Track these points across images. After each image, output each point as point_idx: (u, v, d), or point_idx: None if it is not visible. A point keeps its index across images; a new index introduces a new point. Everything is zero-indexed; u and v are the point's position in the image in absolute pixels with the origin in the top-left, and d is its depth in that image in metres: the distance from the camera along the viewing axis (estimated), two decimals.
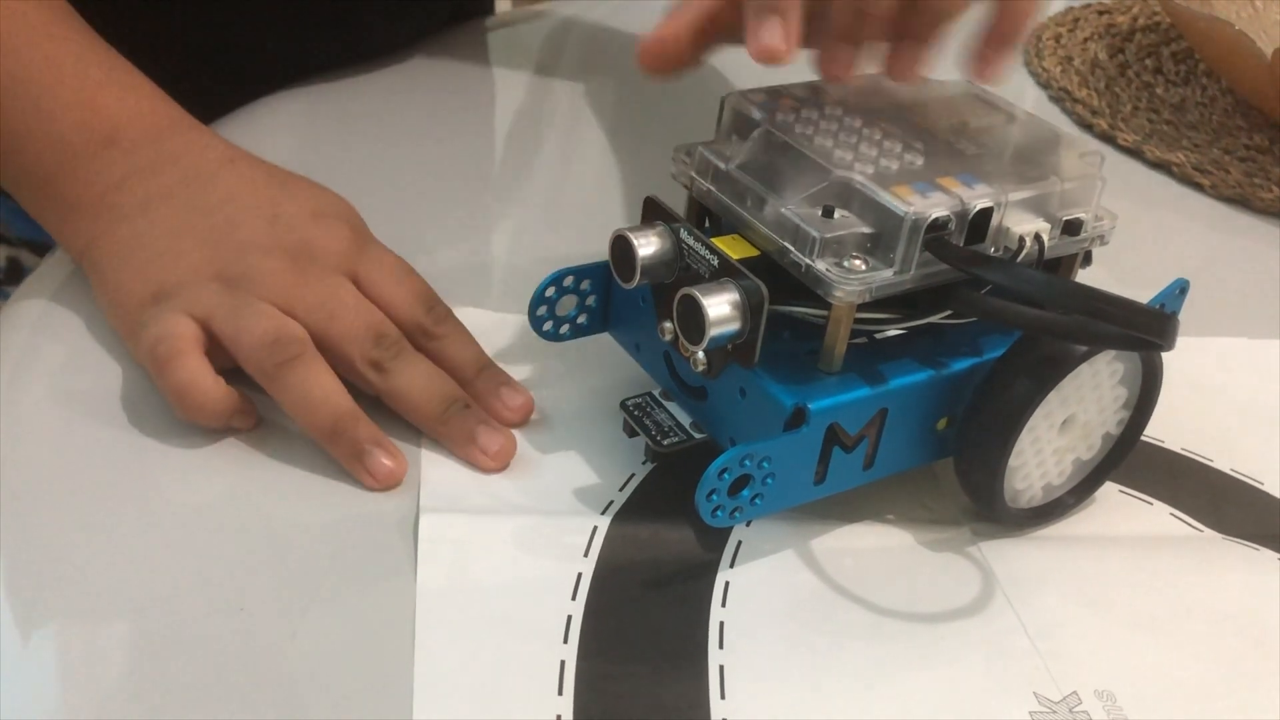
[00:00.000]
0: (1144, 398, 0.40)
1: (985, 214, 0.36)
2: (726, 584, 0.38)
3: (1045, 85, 0.72)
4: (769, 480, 0.36)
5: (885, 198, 0.36)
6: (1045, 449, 0.39)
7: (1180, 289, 0.42)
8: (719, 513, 0.35)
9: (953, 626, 0.37)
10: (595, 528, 0.39)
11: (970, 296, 0.37)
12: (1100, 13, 0.79)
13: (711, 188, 0.39)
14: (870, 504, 0.41)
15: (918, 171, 0.37)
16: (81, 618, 0.35)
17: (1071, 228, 0.39)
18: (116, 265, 0.43)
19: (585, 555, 0.38)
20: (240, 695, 0.33)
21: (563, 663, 0.34)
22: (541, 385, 0.44)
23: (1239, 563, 0.41)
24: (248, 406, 0.41)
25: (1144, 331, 0.34)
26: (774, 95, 0.41)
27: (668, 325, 0.38)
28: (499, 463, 0.41)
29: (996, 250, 0.37)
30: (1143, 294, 0.40)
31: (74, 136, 0.44)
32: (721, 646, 0.36)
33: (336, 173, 0.49)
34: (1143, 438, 0.41)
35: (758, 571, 0.38)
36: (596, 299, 0.43)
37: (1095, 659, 0.36)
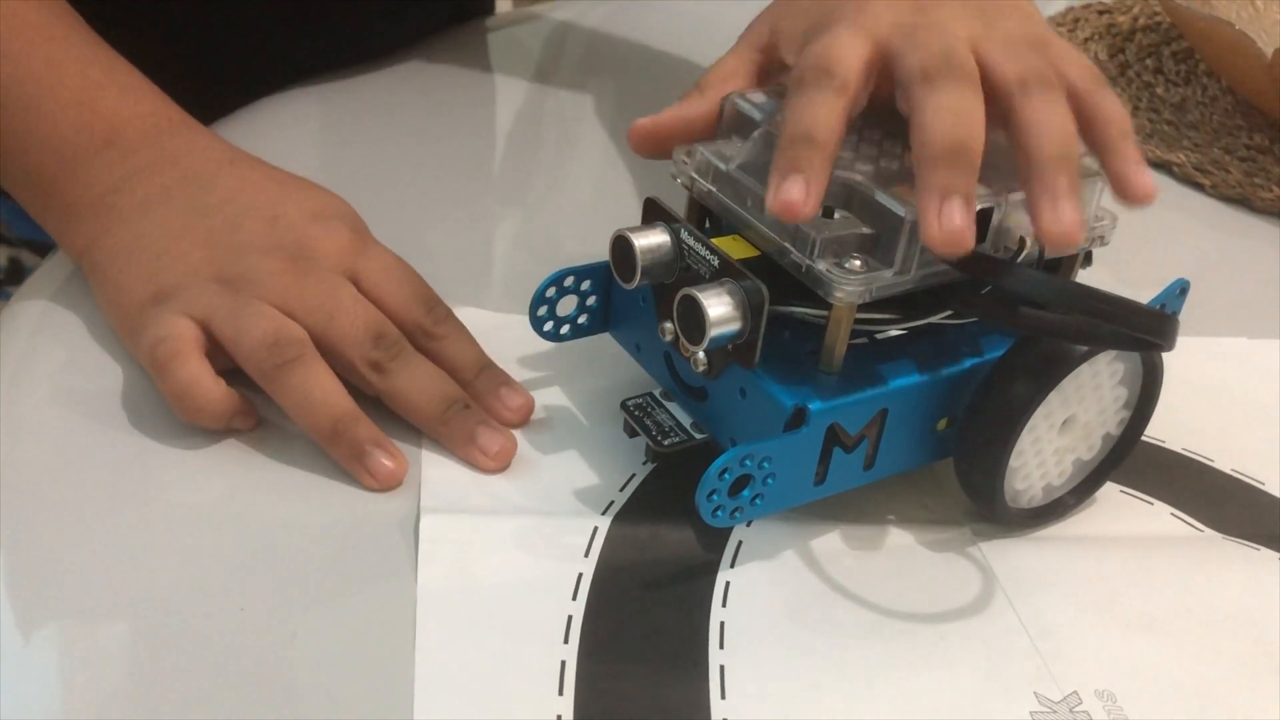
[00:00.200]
0: (1144, 398, 0.40)
1: (985, 214, 0.36)
2: (727, 584, 0.38)
3: None
4: (769, 480, 0.36)
5: (885, 198, 0.36)
6: (1045, 449, 0.39)
7: (1181, 289, 0.42)
8: (719, 513, 0.35)
9: (953, 626, 0.37)
10: (596, 528, 0.39)
11: (970, 297, 0.37)
12: (1101, 13, 0.79)
13: (712, 188, 0.39)
14: (871, 504, 0.41)
15: None
16: (81, 618, 0.35)
17: None
18: (116, 266, 0.43)
19: (586, 555, 0.38)
20: (240, 695, 0.33)
21: (563, 663, 0.34)
22: (542, 385, 0.44)
23: (1240, 563, 0.41)
24: (248, 407, 0.41)
25: (1144, 332, 0.34)
26: (774, 96, 0.41)
27: (668, 325, 0.38)
28: (499, 463, 0.41)
29: (996, 251, 0.37)
30: (1143, 294, 0.40)
31: (74, 138, 0.44)
32: (722, 646, 0.36)
33: (336, 173, 0.49)
34: (1143, 438, 0.41)
35: (758, 572, 0.38)
36: (597, 299, 0.43)
37: (1096, 659, 0.36)
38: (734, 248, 0.37)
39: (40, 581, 0.36)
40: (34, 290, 0.47)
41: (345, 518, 0.39)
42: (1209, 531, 0.42)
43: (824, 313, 0.36)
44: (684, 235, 0.38)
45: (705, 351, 0.37)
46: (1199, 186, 0.63)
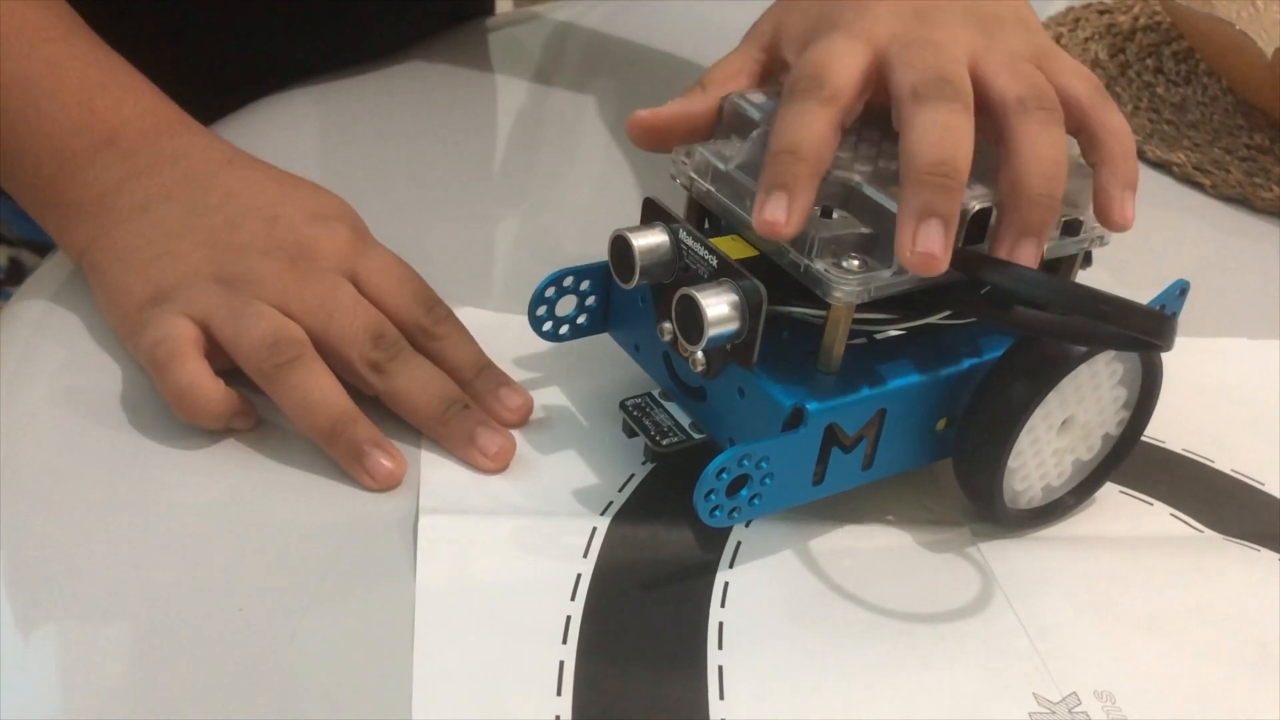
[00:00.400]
0: (1144, 398, 0.40)
1: (984, 214, 0.36)
2: (726, 584, 0.38)
3: None
4: (767, 480, 0.36)
5: (883, 198, 0.36)
6: (1045, 450, 0.39)
7: (1181, 290, 0.42)
8: (717, 513, 0.35)
9: (952, 627, 0.37)
10: (594, 528, 0.39)
11: (968, 297, 0.37)
12: (1101, 12, 0.79)
13: (711, 188, 0.39)
14: (870, 504, 0.41)
15: None
16: (81, 618, 0.35)
17: (1070, 228, 0.39)
18: (116, 267, 0.43)
19: (584, 556, 0.38)
20: (239, 695, 0.33)
21: (562, 663, 0.34)
22: (541, 386, 0.44)
23: (1239, 563, 0.41)
24: (247, 408, 0.41)
25: (1143, 332, 0.34)
26: (774, 96, 0.41)
27: (667, 325, 0.38)
28: (498, 464, 0.41)
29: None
30: (1143, 294, 0.40)
31: (74, 138, 0.44)
32: (721, 647, 0.36)
33: (336, 174, 0.49)
34: (1143, 438, 0.41)
35: (757, 572, 0.38)
36: (596, 299, 0.43)
37: (1095, 659, 0.36)
38: (733, 247, 0.37)
39: (40, 581, 0.36)
40: (34, 290, 0.47)
41: (344, 518, 0.39)
42: (1209, 532, 0.42)
43: (822, 313, 0.36)
44: (682, 235, 0.38)
45: (703, 351, 0.37)
46: (1199, 186, 0.63)
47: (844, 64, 0.38)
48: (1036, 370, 0.37)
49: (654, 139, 0.42)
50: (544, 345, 0.43)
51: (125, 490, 0.39)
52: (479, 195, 0.57)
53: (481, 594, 0.36)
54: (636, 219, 0.40)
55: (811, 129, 0.36)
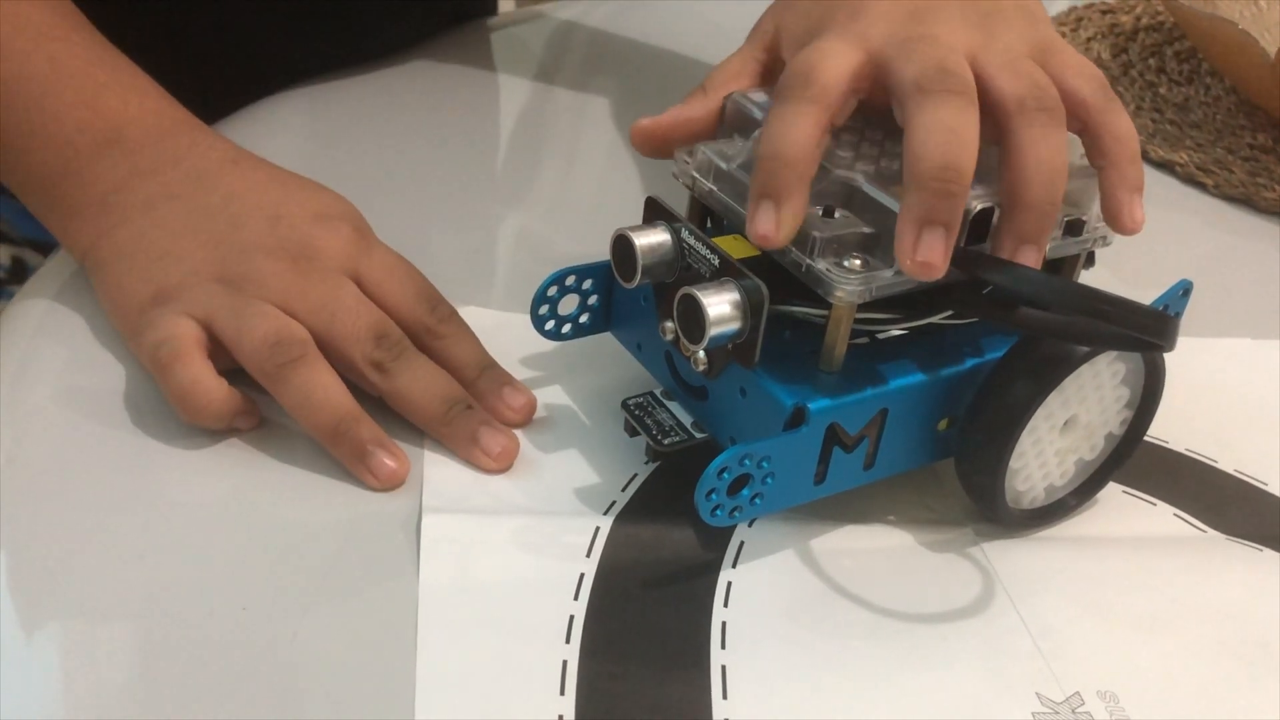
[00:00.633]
0: (1146, 398, 0.40)
1: (986, 214, 0.36)
2: (729, 584, 0.38)
3: None
4: (769, 480, 0.36)
5: (885, 198, 0.36)
6: (1047, 450, 0.39)
7: (1184, 290, 0.42)
8: (718, 512, 0.35)
9: (955, 627, 0.37)
10: (597, 528, 0.39)
11: (970, 297, 0.37)
12: (1103, 12, 0.79)
13: (713, 187, 0.39)
14: (872, 504, 0.41)
15: None
16: (83, 618, 0.35)
17: (1073, 228, 0.39)
18: (119, 266, 0.43)
19: (587, 555, 0.38)
20: (241, 695, 0.33)
21: (565, 663, 0.34)
22: (544, 385, 0.44)
23: (1242, 564, 0.41)
24: (250, 407, 0.41)
25: (1144, 332, 0.34)
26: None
27: (669, 325, 0.38)
28: (501, 464, 0.41)
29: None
30: (1146, 294, 0.39)
31: (77, 137, 0.44)
32: (724, 647, 0.36)
33: (339, 173, 0.49)
34: (1146, 438, 0.41)
35: (760, 572, 0.38)
36: (598, 299, 0.43)
37: (1098, 659, 0.36)
38: (735, 247, 0.37)
39: (42, 580, 0.36)
40: (37, 289, 0.47)
41: (347, 517, 0.39)
42: (1212, 532, 0.42)
43: (824, 312, 0.36)
44: (685, 234, 0.38)
45: (705, 351, 0.37)
46: (1202, 186, 0.63)
47: (833, 64, 0.38)
48: (1038, 370, 0.37)
49: (657, 146, 0.42)
50: (546, 345, 0.43)
51: (128, 489, 0.39)
52: (481, 195, 0.57)
53: (484, 593, 0.36)
54: (639, 219, 0.40)
55: (796, 132, 0.36)
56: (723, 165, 0.38)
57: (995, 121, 0.37)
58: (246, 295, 0.41)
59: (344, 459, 0.40)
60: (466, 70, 0.67)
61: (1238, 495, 0.44)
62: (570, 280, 0.42)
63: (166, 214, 0.44)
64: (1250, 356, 0.51)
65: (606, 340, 0.44)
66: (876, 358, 0.38)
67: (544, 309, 0.42)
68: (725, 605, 0.37)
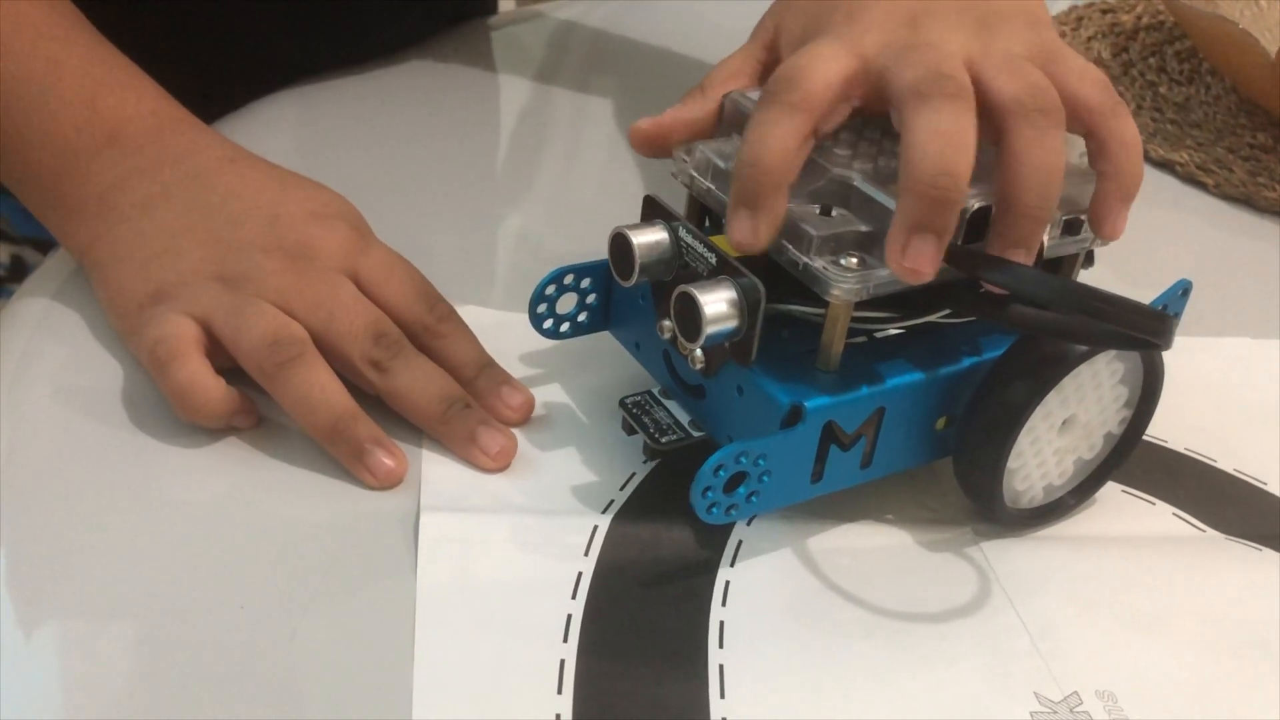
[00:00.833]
0: (1145, 397, 0.40)
1: (983, 212, 0.36)
2: (727, 583, 0.38)
3: None
4: (765, 478, 0.36)
5: (883, 196, 0.36)
6: (1045, 449, 0.39)
7: (1183, 290, 0.42)
8: (714, 510, 0.35)
9: (953, 626, 0.37)
10: (596, 527, 0.39)
11: (967, 295, 0.37)
12: (1104, 11, 0.79)
13: (711, 186, 0.39)
14: (871, 504, 0.41)
15: None
16: (82, 616, 0.35)
17: (1071, 227, 0.39)
18: (117, 265, 0.43)
19: (585, 554, 0.38)
20: (239, 694, 0.33)
21: (562, 662, 0.34)
22: (542, 384, 0.44)
23: (1241, 563, 0.41)
24: (248, 406, 0.41)
25: (1141, 331, 0.34)
26: None
27: (666, 323, 0.38)
28: (500, 463, 0.41)
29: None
30: (1145, 294, 0.39)
31: (75, 136, 0.44)
32: (722, 646, 0.35)
33: (338, 172, 0.49)
34: (1145, 437, 0.41)
35: (758, 571, 0.38)
36: (597, 297, 0.43)
37: (1096, 659, 0.36)
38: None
39: (40, 579, 0.36)
40: (36, 288, 0.47)
41: (345, 516, 0.39)
42: (1211, 532, 0.42)
43: (821, 310, 0.36)
44: (682, 233, 0.38)
45: (702, 349, 0.37)
46: (1202, 186, 0.63)
47: (821, 69, 0.37)
48: (1037, 369, 0.37)
49: (656, 147, 0.42)
50: (545, 344, 0.43)
51: (126, 488, 0.39)
52: (480, 194, 0.57)
53: (482, 592, 0.36)
54: (638, 218, 0.40)
55: (775, 139, 0.36)
56: (720, 164, 0.38)
57: (993, 122, 0.37)
58: (245, 294, 0.41)
59: (342, 458, 0.40)
60: (466, 70, 0.67)
61: (1237, 495, 0.44)
62: (568, 279, 0.42)
63: (165, 213, 0.44)
64: (1250, 356, 0.51)
65: (605, 340, 0.44)
66: (874, 357, 0.38)
67: (542, 307, 0.42)
68: (723, 604, 0.37)
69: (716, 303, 0.35)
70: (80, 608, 0.35)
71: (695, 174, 0.39)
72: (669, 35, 0.71)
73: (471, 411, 0.41)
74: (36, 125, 0.44)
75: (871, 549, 0.39)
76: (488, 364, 0.43)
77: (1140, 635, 0.37)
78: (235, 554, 0.37)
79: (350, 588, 0.36)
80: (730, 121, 0.41)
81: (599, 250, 0.40)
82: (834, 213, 0.36)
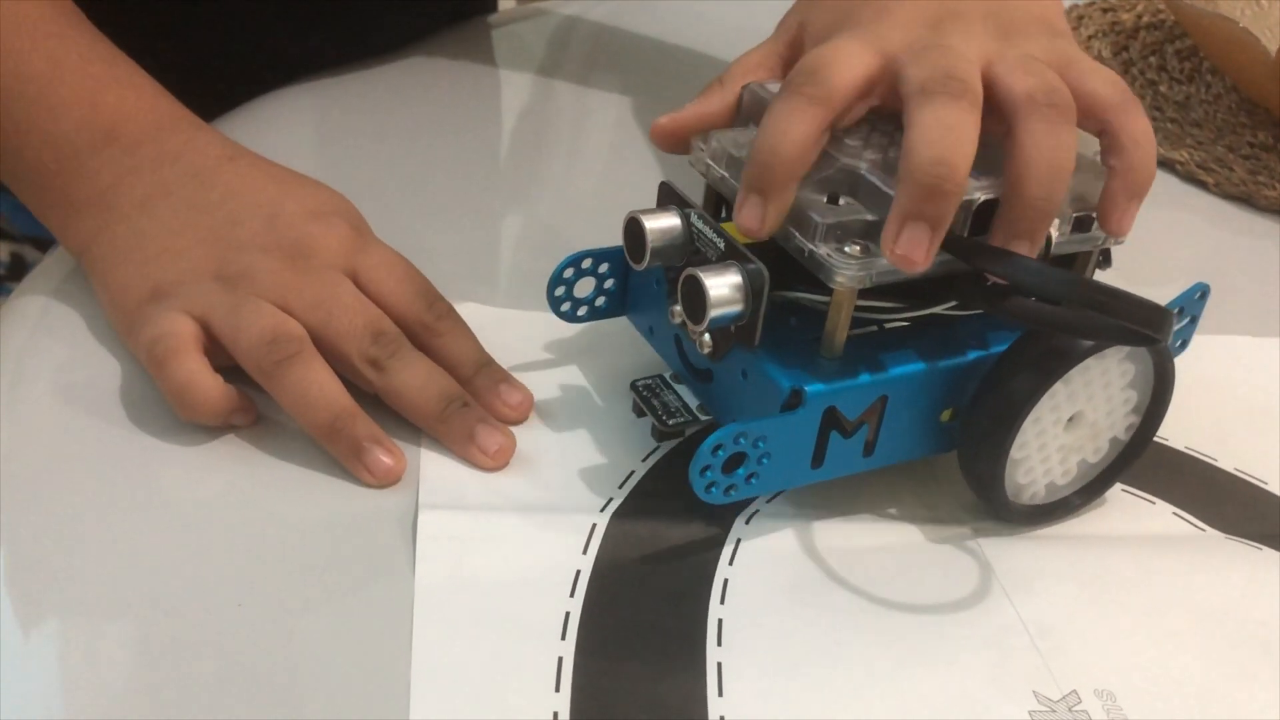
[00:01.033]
0: (1155, 402, 0.40)
1: (989, 205, 0.36)
2: (725, 581, 0.38)
3: None
4: (765, 460, 0.36)
5: (888, 186, 0.36)
6: (1050, 444, 0.39)
7: (1200, 293, 0.42)
8: (713, 489, 0.35)
9: (953, 625, 0.37)
10: (594, 525, 0.39)
11: (970, 286, 0.37)
12: (1104, 10, 0.79)
13: (725, 174, 0.39)
14: (871, 501, 0.41)
15: None
16: (81, 615, 0.35)
17: (1081, 224, 0.39)
18: (116, 263, 0.43)
19: (584, 552, 0.38)
20: (238, 692, 0.33)
21: (560, 659, 0.34)
22: (541, 382, 0.44)
23: (1241, 562, 0.40)
24: (247, 404, 0.41)
25: (1139, 324, 0.34)
26: None
27: (677, 308, 0.38)
28: (498, 462, 0.41)
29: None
30: (1153, 293, 0.39)
31: (75, 134, 0.44)
32: (720, 644, 0.35)
33: (337, 171, 0.49)
34: None
35: (757, 569, 0.38)
36: (615, 283, 0.43)
37: (1095, 658, 0.36)
38: None
39: (38, 577, 0.36)
40: (35, 286, 0.47)
41: (344, 514, 0.39)
42: (1211, 531, 0.42)
43: (825, 297, 0.36)
44: (694, 219, 0.38)
45: (709, 332, 0.37)
46: (1202, 184, 0.63)
47: (846, 65, 0.38)
48: (1044, 361, 0.37)
49: (677, 143, 0.42)
50: (544, 341, 0.43)
51: (125, 486, 0.39)
52: (481, 192, 0.57)
53: (481, 590, 0.36)
54: None
55: (794, 130, 0.36)
56: (735, 153, 0.39)
57: (1005, 117, 0.37)
58: (243, 292, 0.41)
59: (340, 456, 0.40)
60: (467, 67, 0.67)
61: (1237, 494, 0.43)
62: (586, 263, 0.42)
63: (164, 211, 0.44)
64: (1250, 354, 0.50)
65: (604, 338, 0.44)
66: (880, 346, 0.38)
67: (560, 290, 0.42)
68: (721, 602, 0.37)
69: (721, 286, 0.35)
70: (78, 605, 0.35)
71: (711, 163, 0.39)
72: (670, 32, 0.71)
73: (470, 410, 0.41)
74: (36, 123, 0.44)
75: (871, 547, 0.39)
76: (486, 362, 0.43)
77: (1140, 634, 0.37)
78: (233, 551, 0.37)
79: (348, 585, 0.36)
80: (748, 112, 0.41)
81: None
82: (841, 201, 0.37)
